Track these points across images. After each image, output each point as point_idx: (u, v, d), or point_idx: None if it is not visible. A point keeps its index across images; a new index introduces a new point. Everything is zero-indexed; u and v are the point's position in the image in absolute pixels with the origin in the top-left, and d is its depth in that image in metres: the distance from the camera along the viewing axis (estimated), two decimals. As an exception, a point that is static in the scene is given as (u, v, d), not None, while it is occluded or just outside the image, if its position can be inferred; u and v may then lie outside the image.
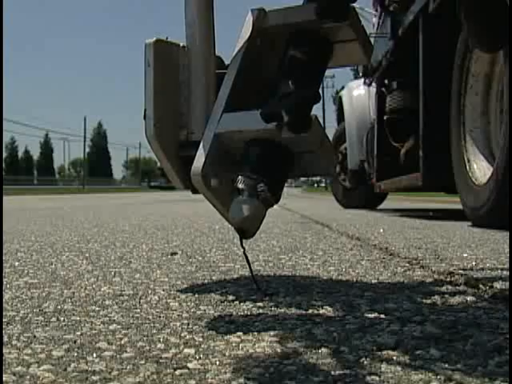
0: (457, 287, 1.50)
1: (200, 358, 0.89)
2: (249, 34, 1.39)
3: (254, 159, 1.26)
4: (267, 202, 1.22)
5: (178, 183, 1.45)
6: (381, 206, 7.81)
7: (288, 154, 1.28)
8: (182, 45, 1.46)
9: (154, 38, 1.42)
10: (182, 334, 1.03)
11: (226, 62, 1.45)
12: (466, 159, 3.68)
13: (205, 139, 1.33)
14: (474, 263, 1.93)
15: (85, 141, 75.22)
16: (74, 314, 1.20)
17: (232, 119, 1.31)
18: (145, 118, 1.40)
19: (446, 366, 0.83)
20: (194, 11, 1.44)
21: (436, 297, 1.36)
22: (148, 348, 0.95)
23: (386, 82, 5.46)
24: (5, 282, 1.60)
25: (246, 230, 1.24)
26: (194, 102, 1.44)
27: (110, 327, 1.09)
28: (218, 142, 1.32)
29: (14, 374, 0.82)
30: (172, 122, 1.43)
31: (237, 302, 1.32)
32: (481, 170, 3.58)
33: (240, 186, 1.22)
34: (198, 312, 1.22)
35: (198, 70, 1.44)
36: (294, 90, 1.25)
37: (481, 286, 1.48)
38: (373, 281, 1.61)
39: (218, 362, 0.87)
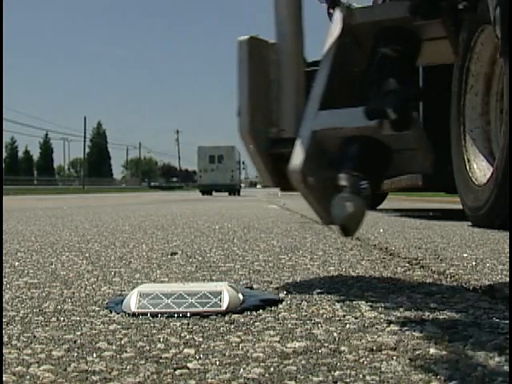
0: (457, 287, 1.50)
1: (200, 357, 0.89)
2: (338, 31, 1.38)
3: (354, 156, 1.25)
4: (368, 199, 1.21)
5: (268, 180, 1.44)
6: (381, 206, 7.80)
7: (387, 152, 1.27)
8: (271, 42, 1.46)
9: (248, 36, 1.41)
10: (182, 334, 1.03)
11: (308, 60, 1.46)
12: (466, 159, 3.68)
13: (302, 137, 1.32)
14: (473, 263, 1.93)
15: (85, 141, 75.19)
16: (74, 314, 1.20)
17: (329, 117, 1.30)
18: (239, 114, 1.39)
19: (446, 365, 0.83)
20: (284, 10, 1.44)
21: (436, 297, 1.36)
22: (148, 348, 0.95)
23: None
24: (5, 282, 1.60)
25: (349, 227, 1.23)
26: (284, 99, 1.44)
27: (110, 327, 1.09)
28: (315, 140, 1.31)
29: (14, 374, 0.82)
30: (263, 119, 1.43)
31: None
32: (481, 169, 3.58)
33: (342, 183, 1.20)
34: (198, 312, 1.22)
35: (288, 67, 1.44)
36: (398, 87, 1.24)
37: (481, 286, 1.47)
38: (373, 281, 1.61)
39: (217, 362, 0.86)
